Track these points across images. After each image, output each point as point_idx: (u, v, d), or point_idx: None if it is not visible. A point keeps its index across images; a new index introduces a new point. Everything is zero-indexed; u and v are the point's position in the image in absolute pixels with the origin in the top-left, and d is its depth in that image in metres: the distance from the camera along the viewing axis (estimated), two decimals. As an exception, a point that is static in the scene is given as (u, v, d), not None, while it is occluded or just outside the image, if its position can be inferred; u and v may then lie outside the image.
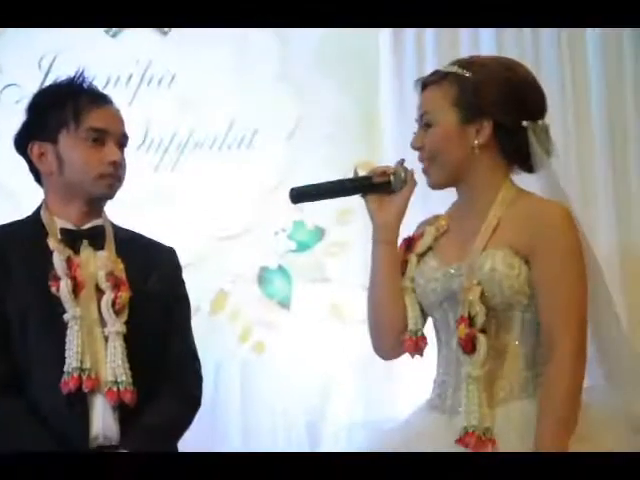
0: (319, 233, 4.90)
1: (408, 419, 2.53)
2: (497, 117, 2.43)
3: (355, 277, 4.72)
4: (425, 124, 2.47)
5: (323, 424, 4.72)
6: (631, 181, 4.81)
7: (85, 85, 2.70)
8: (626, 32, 4.80)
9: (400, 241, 2.56)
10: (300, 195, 2.48)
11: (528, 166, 2.49)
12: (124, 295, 2.61)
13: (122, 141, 2.72)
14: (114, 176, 2.67)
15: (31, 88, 2.79)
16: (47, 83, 4.17)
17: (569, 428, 2.29)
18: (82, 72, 2.70)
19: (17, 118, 2.75)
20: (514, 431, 2.33)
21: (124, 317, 2.61)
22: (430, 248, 2.53)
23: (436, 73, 2.51)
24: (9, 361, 2.57)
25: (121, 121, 2.73)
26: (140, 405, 2.60)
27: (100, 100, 2.70)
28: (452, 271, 2.44)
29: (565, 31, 4.82)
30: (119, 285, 2.62)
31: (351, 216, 4.76)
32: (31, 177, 2.76)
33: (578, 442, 2.29)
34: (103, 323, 2.61)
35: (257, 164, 4.89)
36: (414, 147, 2.49)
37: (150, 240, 2.83)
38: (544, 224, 2.38)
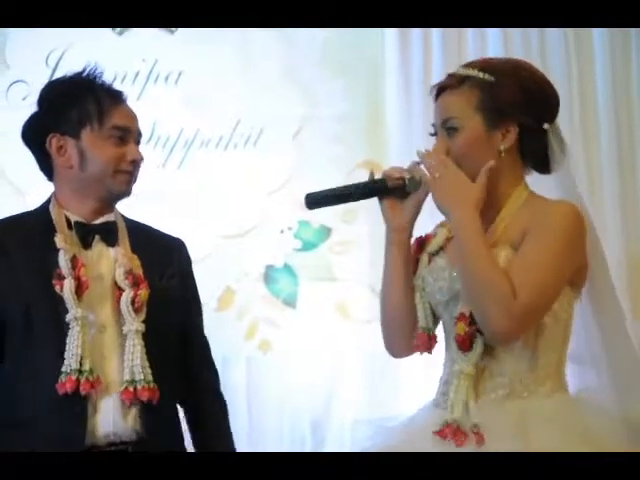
0: (325, 232, 4.90)
1: (413, 416, 2.52)
2: (522, 120, 2.39)
3: (361, 276, 4.73)
4: (449, 129, 2.41)
5: (328, 422, 4.73)
6: (638, 179, 4.81)
7: (101, 81, 2.67)
8: (633, 31, 4.81)
9: (413, 240, 2.56)
10: (315, 201, 2.47)
11: (543, 167, 2.47)
12: (143, 293, 2.58)
13: (138, 139, 2.71)
14: (132, 174, 2.66)
15: (38, 85, 2.77)
16: (54, 80, 4.16)
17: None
18: (96, 66, 2.68)
19: (24, 114, 2.74)
20: (511, 429, 2.30)
21: (143, 315, 2.58)
22: (442, 248, 2.52)
23: (453, 77, 2.44)
24: None
25: (136, 119, 2.71)
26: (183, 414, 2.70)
27: (119, 98, 2.68)
28: (455, 274, 2.43)
29: (571, 30, 4.83)
30: (138, 283, 2.59)
31: (357, 215, 4.77)
32: (39, 173, 2.74)
33: (580, 444, 2.26)
34: (120, 321, 2.58)
35: (263, 163, 4.90)
36: None
37: (160, 233, 2.81)
38: (541, 217, 2.34)
